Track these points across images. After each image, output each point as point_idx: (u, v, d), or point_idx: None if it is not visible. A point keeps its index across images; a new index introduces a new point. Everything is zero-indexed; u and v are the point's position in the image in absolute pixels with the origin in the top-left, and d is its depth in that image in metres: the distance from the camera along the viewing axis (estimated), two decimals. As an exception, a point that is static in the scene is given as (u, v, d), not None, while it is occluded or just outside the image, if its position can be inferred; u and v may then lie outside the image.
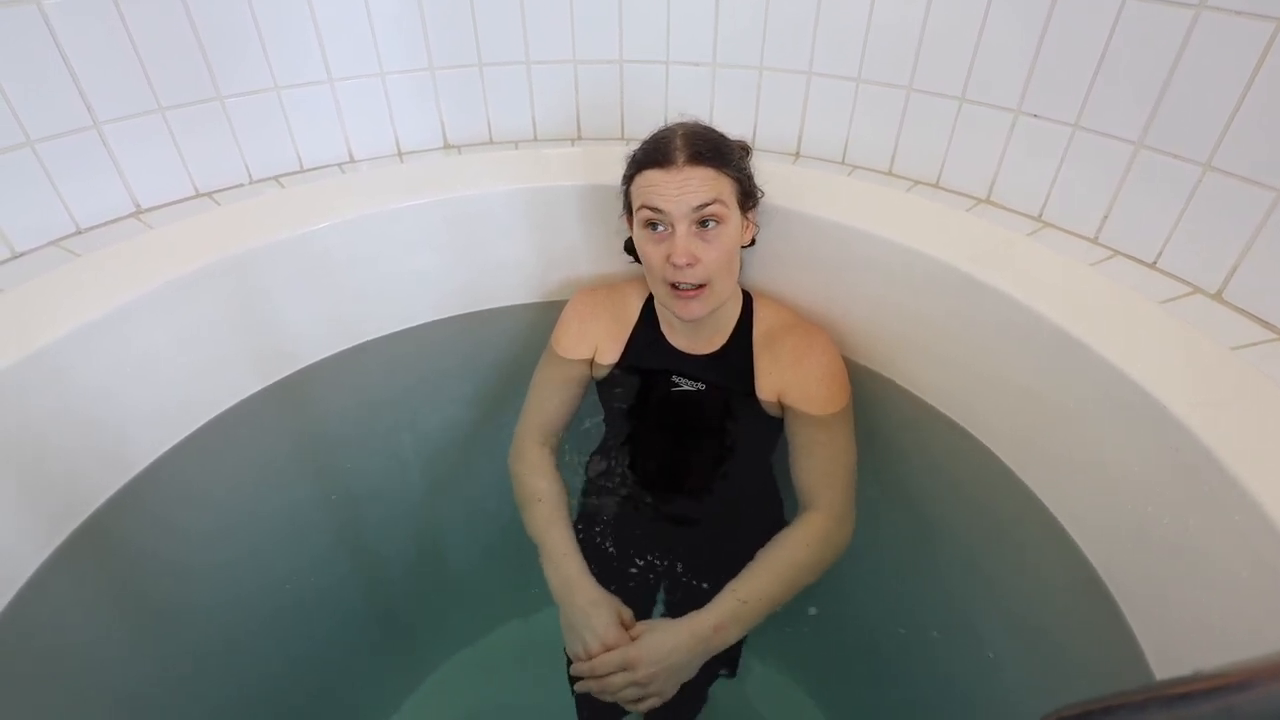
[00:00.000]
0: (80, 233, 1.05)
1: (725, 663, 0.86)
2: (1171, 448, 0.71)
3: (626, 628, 0.78)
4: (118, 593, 0.90)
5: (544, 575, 0.84)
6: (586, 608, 0.79)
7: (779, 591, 0.80)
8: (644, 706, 0.75)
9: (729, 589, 0.80)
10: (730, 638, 0.77)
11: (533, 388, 1.05)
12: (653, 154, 0.90)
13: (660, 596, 0.95)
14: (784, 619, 0.92)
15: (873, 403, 1.08)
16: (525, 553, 0.89)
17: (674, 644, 0.75)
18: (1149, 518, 0.75)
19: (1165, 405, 0.72)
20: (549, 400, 1.03)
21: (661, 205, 0.87)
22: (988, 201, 1.11)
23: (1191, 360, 0.76)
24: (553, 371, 1.06)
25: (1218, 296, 0.88)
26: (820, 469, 0.90)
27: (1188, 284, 0.91)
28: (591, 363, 1.07)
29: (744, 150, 0.99)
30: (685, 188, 0.86)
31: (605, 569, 0.93)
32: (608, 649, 0.76)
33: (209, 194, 1.16)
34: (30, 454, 0.84)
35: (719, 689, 0.86)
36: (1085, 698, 0.30)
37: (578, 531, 0.91)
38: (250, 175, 1.20)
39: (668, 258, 0.88)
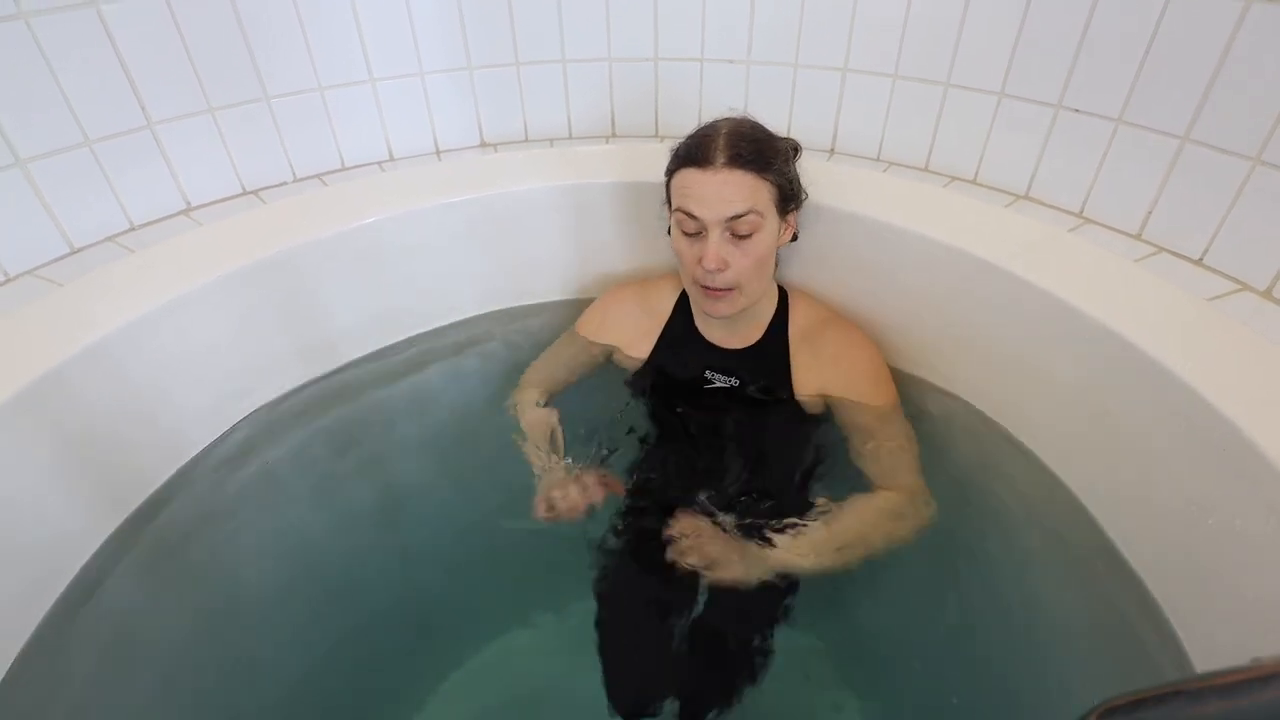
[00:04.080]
0: (134, 229, 1.09)
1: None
2: (1218, 447, 0.70)
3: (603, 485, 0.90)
4: (169, 573, 0.93)
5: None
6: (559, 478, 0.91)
7: (836, 535, 0.83)
8: (713, 574, 0.80)
9: (821, 517, 0.85)
10: (780, 557, 0.82)
11: (547, 352, 1.13)
12: (693, 151, 0.89)
13: (687, 613, 0.95)
14: (823, 612, 0.92)
15: (909, 400, 1.07)
16: (564, 541, 0.91)
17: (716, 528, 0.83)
18: (1193, 518, 0.74)
19: (1213, 404, 0.71)
20: (556, 366, 1.10)
21: (695, 211, 0.87)
22: (1027, 198, 1.09)
23: (1240, 358, 0.75)
24: (567, 344, 1.12)
25: (1267, 294, 0.86)
26: (888, 457, 0.91)
27: (1235, 281, 0.89)
28: (610, 352, 1.09)
29: (792, 150, 0.96)
30: (721, 194, 0.86)
31: (641, 563, 0.94)
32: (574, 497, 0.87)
33: (254, 191, 1.19)
34: (89, 441, 0.87)
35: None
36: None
37: (615, 527, 0.93)
38: (294, 173, 1.23)
39: (699, 260, 0.89)
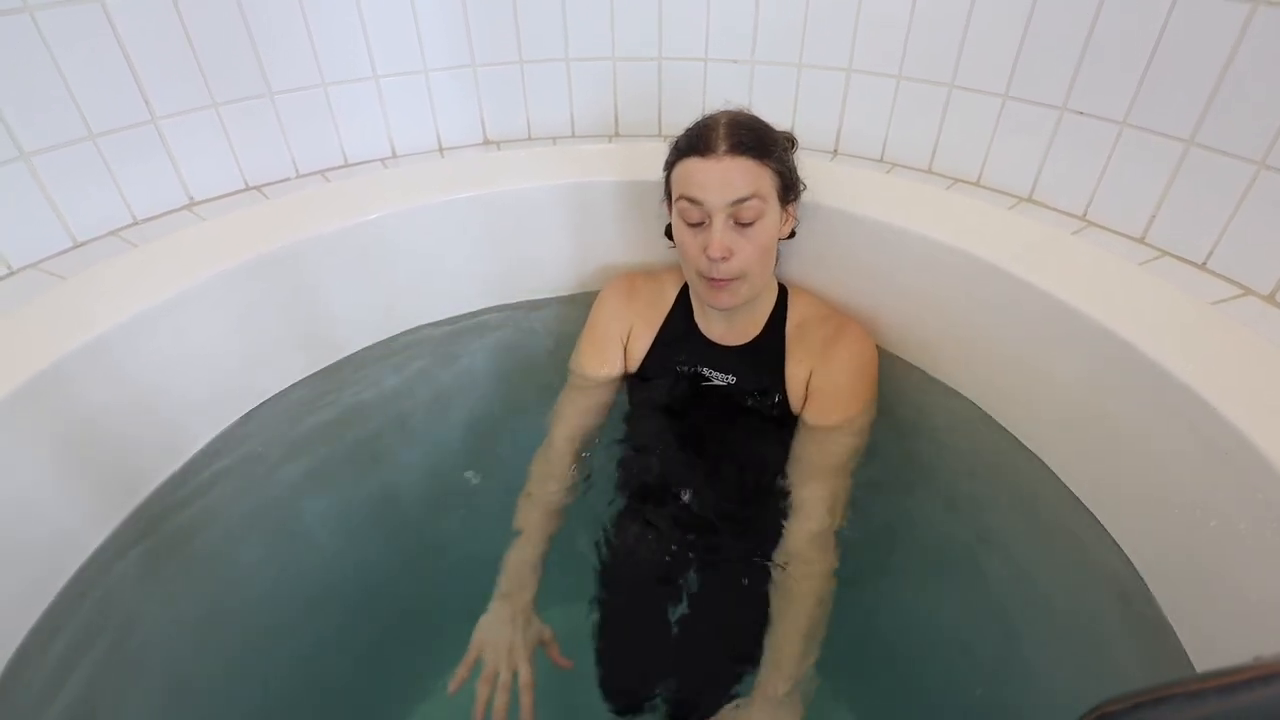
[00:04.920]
0: (136, 224, 1.09)
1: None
2: (1222, 451, 0.70)
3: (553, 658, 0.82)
4: (170, 571, 0.93)
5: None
6: (517, 623, 0.82)
7: (806, 633, 0.79)
8: None
9: (771, 648, 0.79)
10: (804, 690, 0.76)
11: (569, 387, 1.05)
12: (694, 141, 0.89)
13: (681, 608, 0.93)
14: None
15: (912, 399, 1.07)
16: (564, 541, 0.90)
17: None
18: (1196, 521, 0.74)
19: (1215, 407, 0.70)
20: (582, 407, 1.04)
21: (699, 196, 0.87)
22: (1030, 200, 1.09)
23: (1242, 361, 0.75)
24: (593, 365, 1.06)
25: (1270, 298, 0.86)
26: (810, 476, 0.91)
27: (1239, 285, 0.89)
28: (626, 346, 1.08)
29: (789, 142, 0.97)
30: (725, 179, 0.86)
31: (629, 567, 0.94)
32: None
33: (257, 187, 1.20)
34: (89, 437, 0.87)
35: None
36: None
37: (605, 525, 0.93)
38: (297, 169, 1.23)
39: (704, 249, 0.88)
